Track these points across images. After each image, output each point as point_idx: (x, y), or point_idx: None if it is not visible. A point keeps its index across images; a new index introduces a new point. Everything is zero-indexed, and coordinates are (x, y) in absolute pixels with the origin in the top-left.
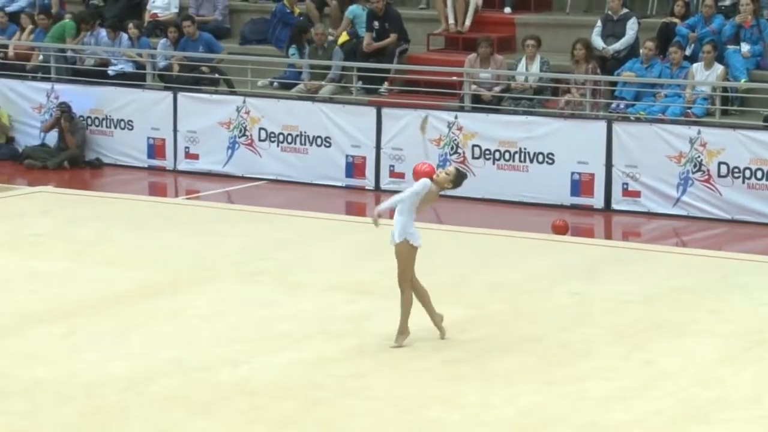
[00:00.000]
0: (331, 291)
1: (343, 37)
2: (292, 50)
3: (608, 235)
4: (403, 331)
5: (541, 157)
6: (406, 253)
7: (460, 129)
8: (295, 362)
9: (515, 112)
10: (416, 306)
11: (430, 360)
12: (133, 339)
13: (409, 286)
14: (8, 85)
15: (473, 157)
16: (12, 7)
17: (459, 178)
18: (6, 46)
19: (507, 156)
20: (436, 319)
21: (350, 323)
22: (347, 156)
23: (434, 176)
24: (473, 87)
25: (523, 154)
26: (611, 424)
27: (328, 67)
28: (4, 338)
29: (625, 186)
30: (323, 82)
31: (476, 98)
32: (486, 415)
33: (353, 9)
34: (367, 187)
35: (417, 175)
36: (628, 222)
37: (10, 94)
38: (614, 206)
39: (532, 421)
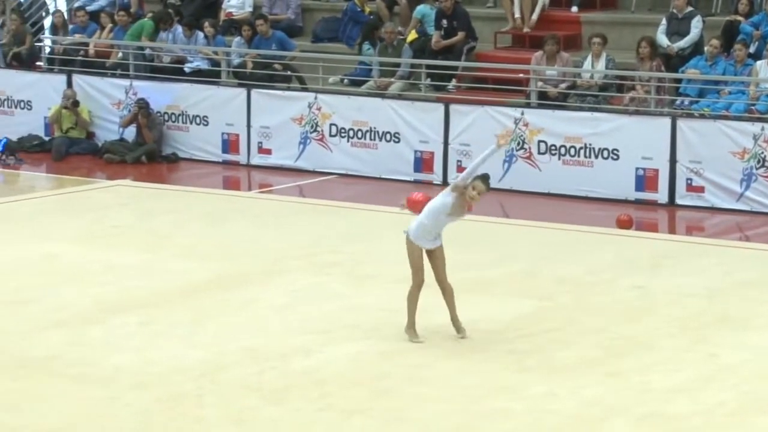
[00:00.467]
0: (398, 283)
1: (412, 36)
2: (367, 46)
3: (672, 230)
4: (457, 318)
5: (606, 153)
6: (443, 253)
7: (526, 125)
8: (364, 352)
9: (581, 109)
10: (479, 302)
11: (496, 351)
12: (208, 329)
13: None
14: (89, 82)
15: (539, 153)
16: (92, 6)
17: (488, 185)
18: (86, 44)
19: (572, 151)
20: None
21: (417, 314)
22: (415, 151)
23: (468, 198)
24: (539, 84)
25: (588, 150)
26: (674, 416)
27: (398, 65)
28: (84, 327)
29: (689, 181)
30: (392, 79)
31: (542, 95)
32: (550, 405)
33: (421, 9)
34: (434, 182)
35: (413, 204)
36: (691, 217)
37: (90, 91)
38: (678, 201)
39: (596, 412)
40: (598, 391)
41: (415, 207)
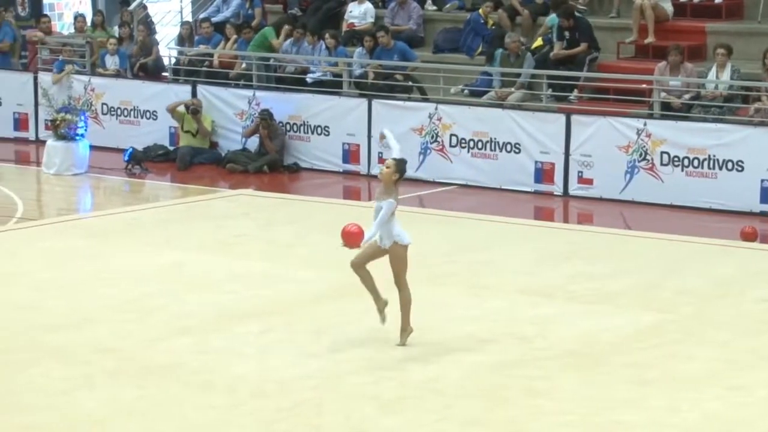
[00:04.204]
0: (517, 294)
1: (538, 42)
2: (498, 54)
3: None
4: (406, 328)
5: (730, 164)
6: (400, 255)
7: (648, 136)
8: (483, 363)
9: (705, 120)
10: (600, 313)
11: (617, 363)
12: (326, 337)
13: (406, 284)
14: (212, 92)
15: (662, 164)
16: (217, 18)
17: (400, 166)
18: (211, 55)
19: (696, 163)
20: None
21: (536, 326)
22: (536, 162)
23: (379, 176)
24: (663, 94)
25: (712, 161)
26: None
27: (519, 75)
28: (207, 335)
29: None
30: (512, 89)
31: (666, 106)
32: (671, 419)
33: (553, 18)
34: (555, 193)
35: (347, 236)
36: None
37: (214, 101)
38: None
39: (718, 426)
40: (720, 405)
41: (352, 239)
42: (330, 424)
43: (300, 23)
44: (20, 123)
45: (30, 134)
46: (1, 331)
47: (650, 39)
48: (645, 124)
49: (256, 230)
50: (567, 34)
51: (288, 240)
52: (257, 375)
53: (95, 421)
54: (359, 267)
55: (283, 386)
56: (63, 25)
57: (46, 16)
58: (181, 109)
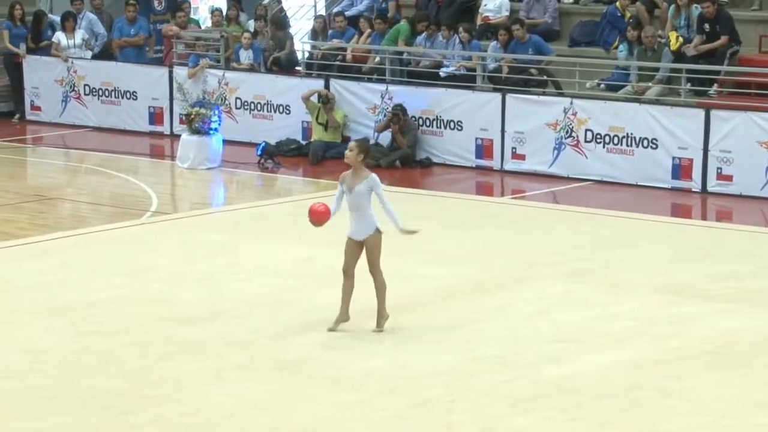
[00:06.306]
0: (654, 292)
1: (676, 43)
2: (622, 48)
3: None
4: (383, 314)
5: None
6: (377, 243)
7: None
8: (617, 362)
9: None
10: (740, 313)
11: (756, 364)
12: (458, 334)
13: (381, 271)
14: (345, 86)
15: None
16: (351, 11)
17: (363, 146)
18: (344, 49)
19: None
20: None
21: (673, 325)
22: (674, 158)
23: (346, 160)
24: None
25: None
26: None
27: (657, 69)
28: (357, 331)
29: None
30: (650, 84)
31: None
32: None
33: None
34: (693, 190)
35: (315, 215)
36: None
37: (346, 95)
38: None
39: None
40: None
41: (319, 218)
42: (460, 422)
43: (434, 19)
44: (155, 117)
45: (165, 128)
46: (134, 324)
47: None
48: None
49: (388, 226)
50: (707, 26)
51: (420, 235)
52: (388, 371)
53: (226, 415)
54: (350, 274)
55: (414, 383)
56: (198, 19)
57: (182, 10)
58: (315, 98)
